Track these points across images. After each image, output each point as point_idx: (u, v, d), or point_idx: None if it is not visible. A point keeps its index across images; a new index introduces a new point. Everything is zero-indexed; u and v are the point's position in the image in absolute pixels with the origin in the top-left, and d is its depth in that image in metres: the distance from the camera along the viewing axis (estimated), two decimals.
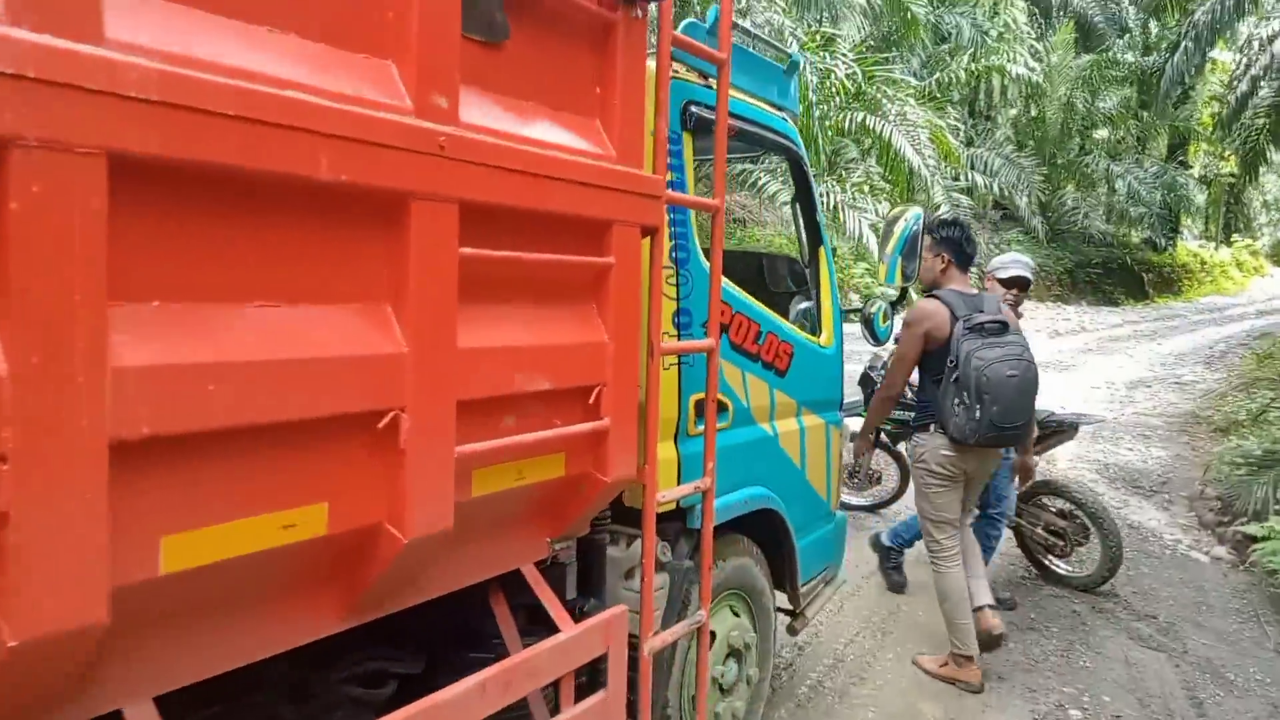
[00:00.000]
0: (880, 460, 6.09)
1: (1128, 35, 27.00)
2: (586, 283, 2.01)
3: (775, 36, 12.87)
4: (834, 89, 12.88)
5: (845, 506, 6.05)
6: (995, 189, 22.40)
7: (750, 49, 3.20)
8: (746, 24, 13.26)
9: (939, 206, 19.56)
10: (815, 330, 3.49)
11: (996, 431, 3.53)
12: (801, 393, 3.31)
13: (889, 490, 6.09)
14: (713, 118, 2.93)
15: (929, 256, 3.85)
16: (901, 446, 5.62)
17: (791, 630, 3.53)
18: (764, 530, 3.12)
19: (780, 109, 3.22)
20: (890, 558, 4.95)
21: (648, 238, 2.17)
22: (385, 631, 1.95)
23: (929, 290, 3.90)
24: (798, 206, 3.52)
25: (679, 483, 2.53)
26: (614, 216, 2.00)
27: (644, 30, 2.07)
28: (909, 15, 17.89)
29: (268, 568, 1.43)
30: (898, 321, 3.87)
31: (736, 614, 3.03)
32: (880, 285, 15.53)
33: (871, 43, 19.95)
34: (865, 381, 5.67)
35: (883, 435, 5.74)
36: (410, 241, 1.52)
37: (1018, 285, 4.54)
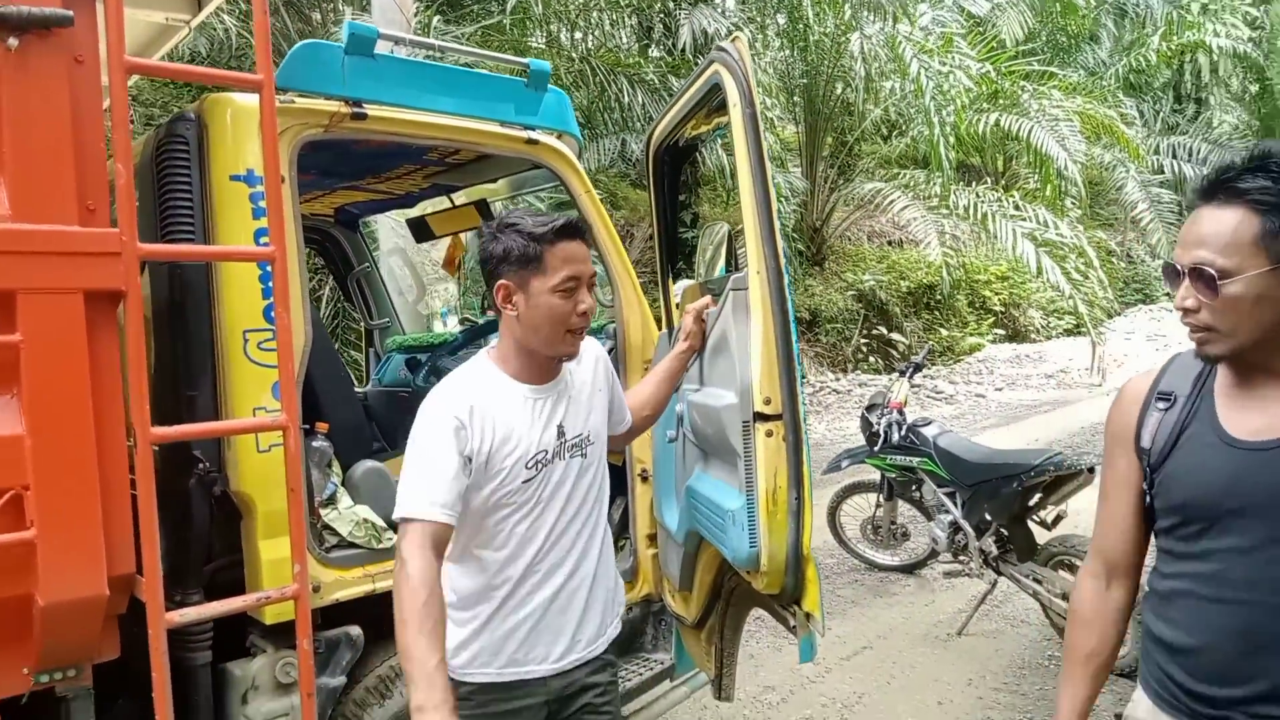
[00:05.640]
0: (904, 513, 5.20)
1: None
2: None
3: (885, 45, 11.95)
4: (956, 91, 11.70)
5: (873, 566, 5.26)
6: None
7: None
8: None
9: (1135, 206, 17.48)
10: None
11: None
12: None
13: (922, 548, 5.17)
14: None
15: None
16: (925, 494, 4.71)
17: None
18: None
19: (529, 128, 2.76)
20: None
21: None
22: None
23: None
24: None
25: None
26: (12, 285, 1.67)
27: (60, 62, 1.74)
28: (1065, 2, 16.15)
29: None
30: None
31: None
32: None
33: (1042, 37, 18.31)
34: (866, 424, 4.88)
35: (892, 486, 4.89)
36: None
37: None
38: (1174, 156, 18.96)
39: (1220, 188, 1.33)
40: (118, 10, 1.78)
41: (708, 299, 2.38)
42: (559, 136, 2.90)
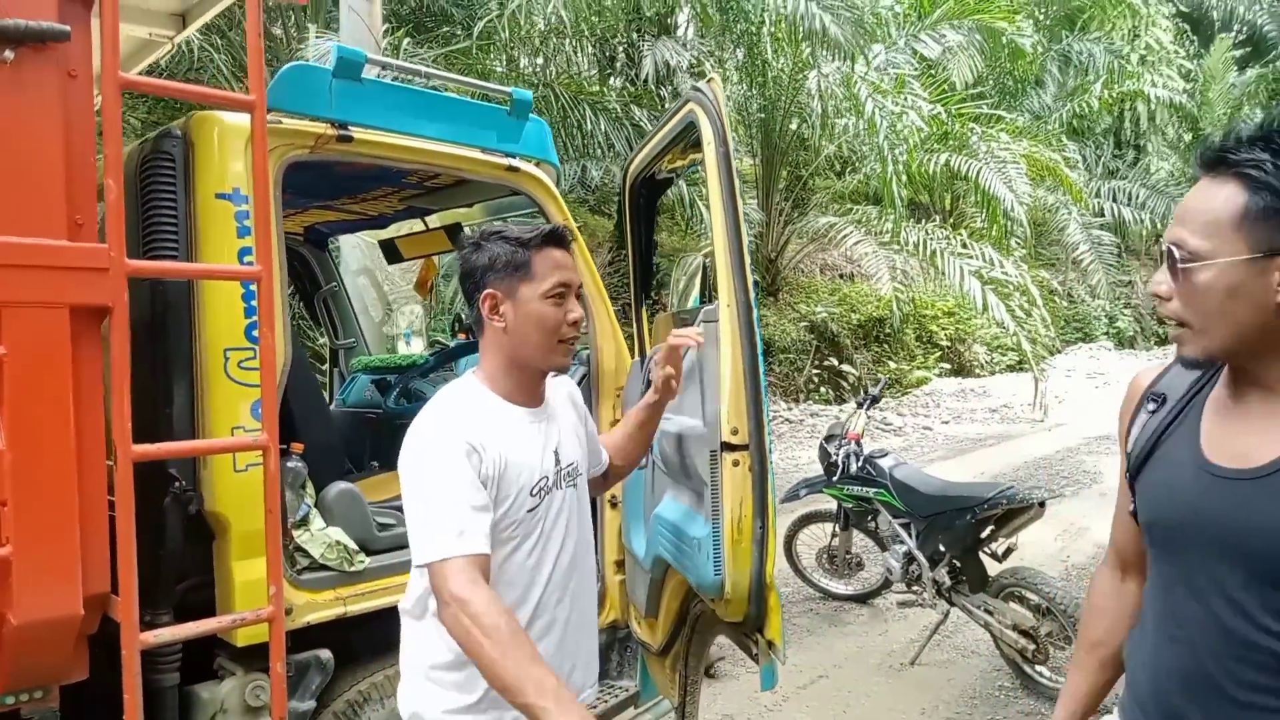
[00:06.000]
0: (859, 543, 5.28)
1: None
2: None
3: (842, 84, 12.24)
4: (909, 131, 12.02)
5: (828, 595, 5.32)
6: (1149, 222, 20.37)
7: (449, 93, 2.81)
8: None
9: (1076, 247, 18.09)
10: None
11: None
12: None
13: (875, 577, 5.25)
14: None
15: None
16: (881, 525, 4.80)
17: None
18: None
19: (510, 155, 2.80)
20: None
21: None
22: None
23: None
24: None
25: None
26: None
27: (53, 76, 1.73)
28: (1013, 48, 16.69)
29: None
30: None
31: None
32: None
33: (991, 81, 18.90)
34: (824, 454, 4.96)
35: (849, 516, 4.97)
36: None
37: None
38: (1114, 200, 19.63)
39: (1220, 158, 1.13)
40: (113, 26, 1.78)
41: (663, 347, 2.03)
42: (537, 164, 2.95)
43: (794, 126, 14.03)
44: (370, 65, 2.48)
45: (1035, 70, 19.41)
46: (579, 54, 12.42)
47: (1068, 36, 21.31)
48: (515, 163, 2.81)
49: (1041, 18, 21.24)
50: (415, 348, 4.62)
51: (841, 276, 16.36)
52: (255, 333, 2.14)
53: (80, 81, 1.81)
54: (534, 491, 1.69)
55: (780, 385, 13.14)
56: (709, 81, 2.34)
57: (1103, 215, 19.34)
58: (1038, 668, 4.04)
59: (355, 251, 5.35)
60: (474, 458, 1.59)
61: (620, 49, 12.73)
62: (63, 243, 1.74)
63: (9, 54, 1.66)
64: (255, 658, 2.13)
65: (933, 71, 15.86)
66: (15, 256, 1.67)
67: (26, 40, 1.69)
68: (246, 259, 2.14)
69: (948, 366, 15.75)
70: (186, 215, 2.14)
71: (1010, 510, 4.05)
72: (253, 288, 2.13)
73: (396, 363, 3.89)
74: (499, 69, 10.80)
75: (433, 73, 2.79)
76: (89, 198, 1.82)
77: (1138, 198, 19.87)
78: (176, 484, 2.05)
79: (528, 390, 1.76)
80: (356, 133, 2.41)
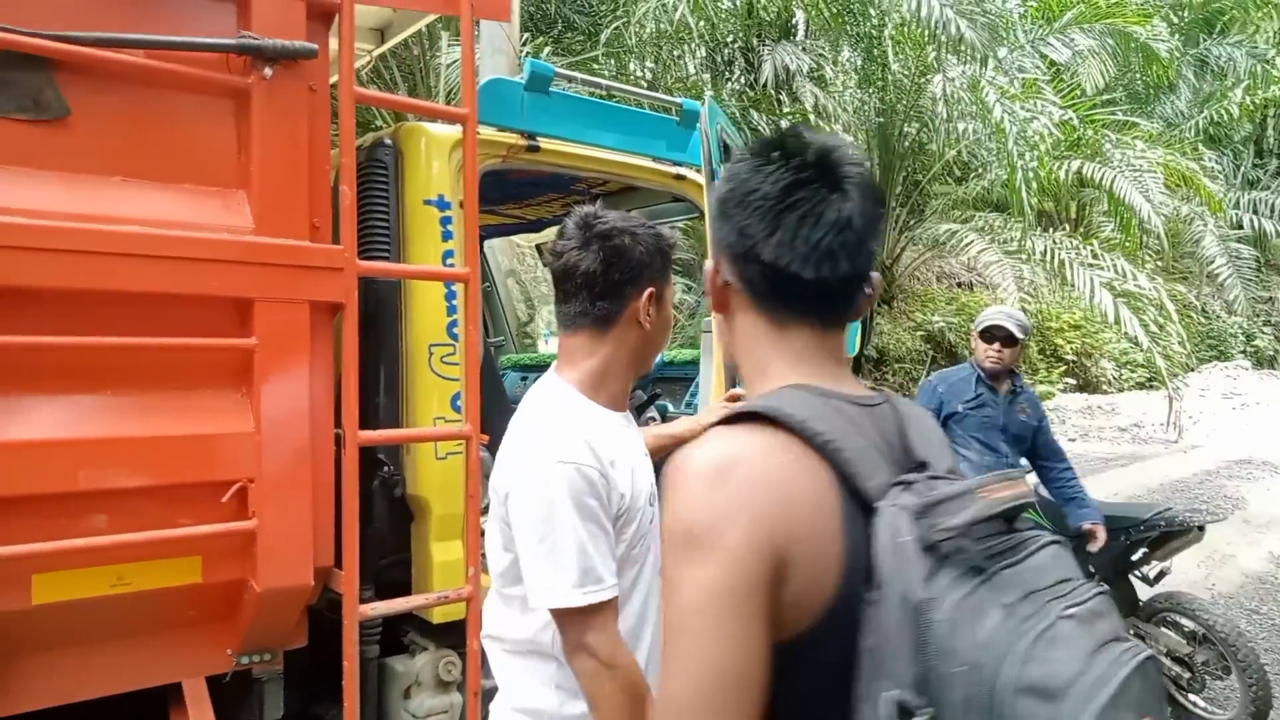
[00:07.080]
0: None
1: None
2: (214, 367, 1.82)
3: (967, 88, 11.97)
4: (1038, 137, 11.65)
5: None
6: None
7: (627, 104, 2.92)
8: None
9: (1212, 261, 17.22)
10: None
11: None
12: None
13: None
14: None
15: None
16: None
17: None
18: None
19: (678, 164, 2.88)
20: None
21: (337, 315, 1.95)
22: None
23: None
24: None
25: None
26: (253, 294, 1.82)
27: (299, 90, 1.90)
28: (1146, 53, 15.98)
29: None
30: None
31: None
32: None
33: (1122, 86, 18.16)
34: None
35: None
36: None
37: (1000, 340, 3.67)
38: (1254, 212, 18.62)
39: None
40: (349, 44, 1.94)
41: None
42: (698, 171, 3.02)
43: (912, 131, 13.78)
44: (557, 78, 2.60)
45: (1171, 75, 18.54)
46: (691, 58, 12.49)
47: (1205, 40, 20.29)
48: (682, 170, 2.89)
49: (1176, 20, 20.31)
50: (554, 347, 4.75)
51: (959, 285, 15.99)
52: (455, 330, 2.28)
53: (319, 95, 1.98)
54: (650, 500, 1.58)
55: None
56: (703, 104, 2.49)
57: (1241, 228, 18.36)
58: (1191, 696, 3.89)
59: (502, 253, 5.55)
60: (601, 485, 1.43)
61: (738, 53, 12.75)
62: (306, 243, 1.90)
63: (268, 71, 1.83)
64: (447, 634, 2.27)
65: (1061, 76, 15.35)
66: (270, 256, 1.83)
67: (282, 58, 1.85)
68: (449, 261, 2.29)
69: (1072, 381, 15.19)
70: (396, 219, 2.29)
71: (1166, 533, 3.91)
72: (455, 288, 2.27)
73: (546, 360, 4.03)
74: (607, 74, 10.95)
75: (615, 86, 2.90)
76: (324, 202, 1.99)
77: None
78: (385, 469, 2.21)
79: (624, 396, 1.62)
80: (543, 143, 2.54)
